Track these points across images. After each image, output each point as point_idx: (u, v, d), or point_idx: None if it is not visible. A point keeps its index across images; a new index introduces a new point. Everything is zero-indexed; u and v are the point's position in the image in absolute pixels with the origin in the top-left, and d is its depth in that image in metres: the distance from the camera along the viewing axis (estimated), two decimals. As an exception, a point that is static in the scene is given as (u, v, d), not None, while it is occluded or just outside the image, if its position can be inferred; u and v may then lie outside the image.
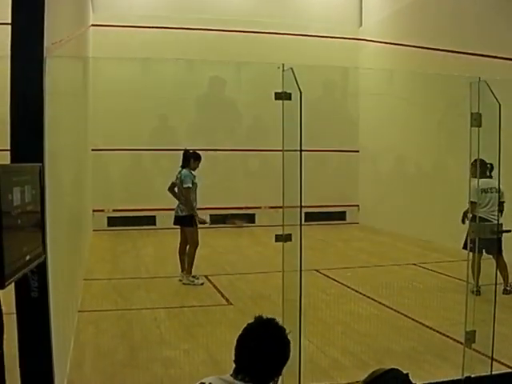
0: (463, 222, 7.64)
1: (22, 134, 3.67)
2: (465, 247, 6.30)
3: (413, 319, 6.78)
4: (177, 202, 8.91)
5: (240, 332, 2.73)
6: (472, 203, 6.40)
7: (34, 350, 3.76)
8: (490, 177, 7.27)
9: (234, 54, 14.49)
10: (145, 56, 14.07)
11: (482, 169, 6.95)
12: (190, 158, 8.84)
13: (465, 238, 5.91)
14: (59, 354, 4.22)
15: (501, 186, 7.41)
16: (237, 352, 2.70)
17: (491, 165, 6.47)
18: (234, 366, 2.68)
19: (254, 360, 2.66)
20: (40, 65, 3.67)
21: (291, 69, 4.55)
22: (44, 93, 3.70)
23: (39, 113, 3.69)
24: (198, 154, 8.92)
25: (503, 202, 7.74)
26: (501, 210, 7.64)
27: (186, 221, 8.75)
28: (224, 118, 15.16)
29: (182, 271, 8.89)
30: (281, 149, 4.71)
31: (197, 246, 8.83)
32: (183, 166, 8.84)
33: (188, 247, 8.84)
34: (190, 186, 8.66)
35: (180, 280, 8.80)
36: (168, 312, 7.21)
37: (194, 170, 8.85)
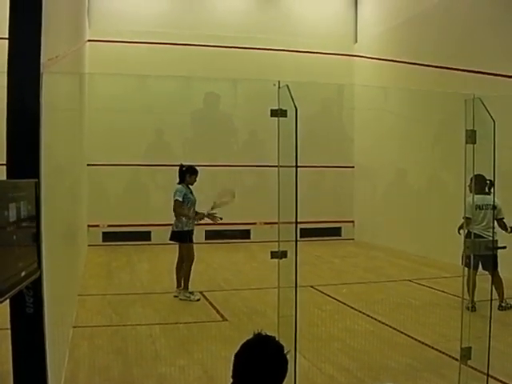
0: (459, 232, 7.65)
1: (19, 149, 3.68)
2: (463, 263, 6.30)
3: (408, 336, 6.76)
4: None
5: (237, 348, 2.72)
6: (467, 219, 6.42)
7: (28, 366, 3.74)
8: (488, 193, 7.26)
9: (229, 69, 14.57)
10: (140, 71, 14.09)
11: (481, 185, 6.96)
12: (186, 174, 8.81)
13: (461, 253, 5.91)
14: (54, 369, 4.20)
15: (498, 202, 7.44)
16: (235, 368, 2.69)
17: (490, 181, 6.47)
18: (230, 382, 2.66)
19: (252, 378, 2.64)
20: (37, 80, 3.68)
21: (287, 86, 4.57)
22: (40, 108, 3.71)
23: (35, 128, 3.70)
24: (194, 169, 8.87)
25: (502, 218, 7.74)
26: (501, 226, 7.66)
27: (181, 236, 8.73)
28: (220, 134, 15.21)
29: (178, 287, 8.86)
30: (276, 164, 4.72)
31: (192, 262, 8.80)
32: (179, 182, 8.81)
33: (184, 263, 8.81)
34: (179, 199, 8.60)
35: (176, 296, 8.77)
36: (163, 328, 7.18)
37: (191, 184, 8.82)
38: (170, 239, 8.86)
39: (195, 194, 8.87)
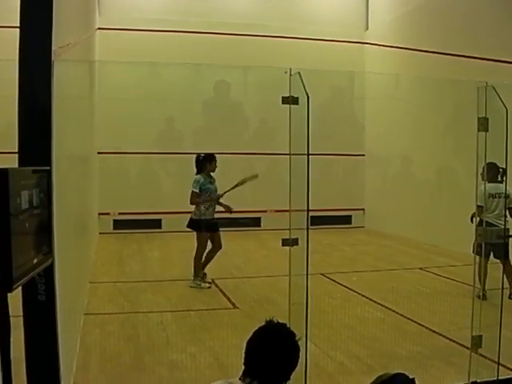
0: (472, 221, 7.59)
1: (30, 137, 3.69)
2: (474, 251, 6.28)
3: (419, 324, 6.76)
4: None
5: (248, 336, 2.73)
6: (478, 207, 6.39)
7: (40, 352, 3.77)
8: (501, 182, 7.20)
9: (240, 57, 14.50)
10: (151, 59, 14.08)
11: (493, 173, 6.91)
12: (206, 163, 8.78)
13: (473, 242, 5.88)
14: (66, 356, 4.23)
15: (510, 191, 7.38)
16: (247, 355, 2.70)
17: (503, 169, 6.42)
18: (241, 369, 2.68)
19: (263, 364, 2.66)
20: (48, 68, 3.68)
21: (298, 73, 4.55)
22: (52, 96, 3.71)
23: (47, 116, 3.70)
24: (211, 155, 8.84)
25: None
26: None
27: (196, 224, 8.73)
28: (230, 122, 15.19)
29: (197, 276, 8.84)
30: (287, 152, 4.71)
31: (204, 251, 8.79)
32: (198, 172, 8.78)
33: (196, 251, 8.81)
34: (195, 190, 8.61)
35: (191, 286, 8.75)
36: (174, 315, 7.21)
37: (213, 171, 8.80)
38: (187, 226, 8.87)
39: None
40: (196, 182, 8.66)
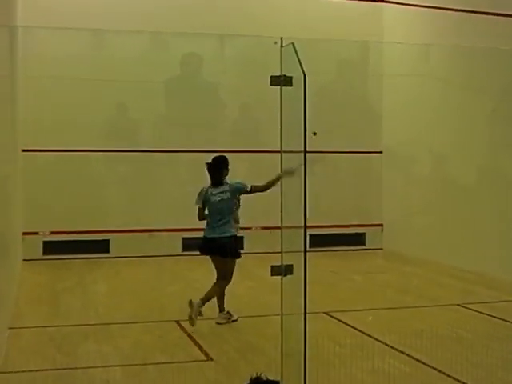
0: None
1: None
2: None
3: (457, 380, 6.75)
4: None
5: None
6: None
7: None
8: None
9: (216, 23, 14.49)
10: (96, 25, 13.98)
11: None
12: (224, 166, 9.22)
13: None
14: None
15: None
16: None
17: None
18: None
19: None
20: None
21: (292, 44, 4.55)
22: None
23: None
24: (220, 157, 9.28)
25: None
26: None
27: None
28: (202, 109, 15.16)
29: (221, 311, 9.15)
30: (278, 149, 4.70)
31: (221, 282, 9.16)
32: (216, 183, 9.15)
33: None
34: (198, 204, 9.17)
35: (218, 323, 9.04)
36: (125, 371, 7.14)
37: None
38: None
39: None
40: (198, 194, 9.25)
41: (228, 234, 9.07)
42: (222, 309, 9.15)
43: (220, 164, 9.19)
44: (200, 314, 8.83)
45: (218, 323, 9.00)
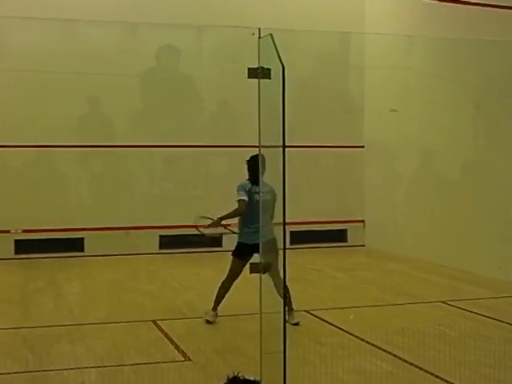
0: None
1: None
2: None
3: (441, 378, 6.80)
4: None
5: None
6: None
7: None
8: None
9: (192, 14, 14.47)
10: (65, 14, 13.92)
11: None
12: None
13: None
14: None
15: None
16: None
17: None
18: None
19: None
20: None
21: (270, 35, 4.57)
22: None
23: None
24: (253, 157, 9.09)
25: None
26: None
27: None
28: (178, 103, 15.16)
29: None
30: (256, 144, 4.72)
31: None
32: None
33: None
34: (242, 197, 9.22)
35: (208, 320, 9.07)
36: (100, 373, 7.13)
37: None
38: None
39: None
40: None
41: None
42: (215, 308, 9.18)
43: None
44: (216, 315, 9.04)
45: (208, 321, 9.03)
